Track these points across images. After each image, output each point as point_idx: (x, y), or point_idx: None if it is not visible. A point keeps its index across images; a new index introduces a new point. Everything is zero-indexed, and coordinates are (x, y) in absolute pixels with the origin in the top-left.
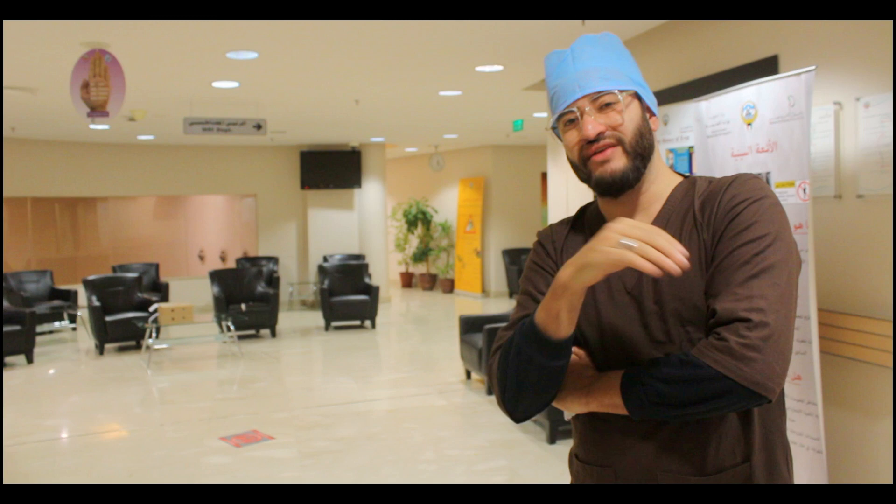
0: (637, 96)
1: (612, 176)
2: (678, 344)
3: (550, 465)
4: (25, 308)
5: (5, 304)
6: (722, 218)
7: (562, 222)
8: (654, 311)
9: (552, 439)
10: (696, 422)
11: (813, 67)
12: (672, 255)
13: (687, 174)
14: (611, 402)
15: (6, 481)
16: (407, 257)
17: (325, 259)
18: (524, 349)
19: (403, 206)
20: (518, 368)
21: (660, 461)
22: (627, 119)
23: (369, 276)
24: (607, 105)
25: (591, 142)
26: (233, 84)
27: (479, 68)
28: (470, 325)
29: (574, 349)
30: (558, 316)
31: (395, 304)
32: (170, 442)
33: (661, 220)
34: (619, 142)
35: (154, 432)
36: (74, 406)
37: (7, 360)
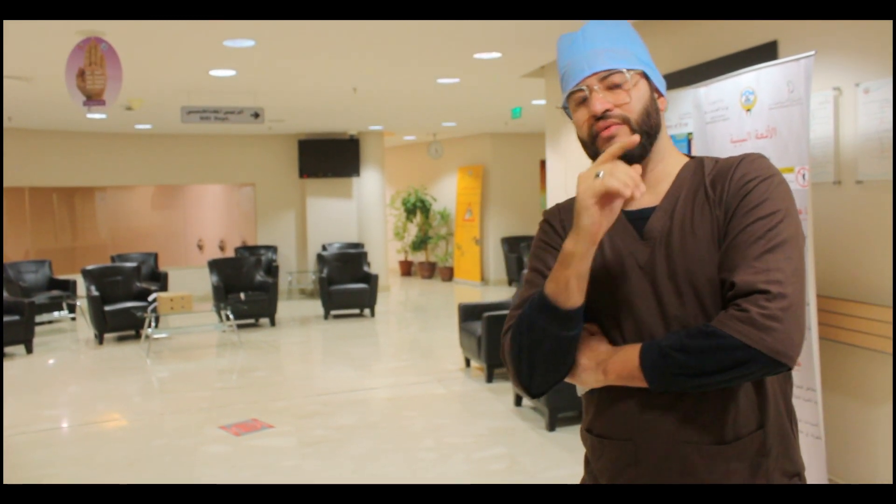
0: (645, 76)
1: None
2: (693, 317)
3: (550, 452)
4: (24, 298)
5: (4, 294)
6: (733, 195)
7: (569, 201)
8: (668, 286)
9: (552, 427)
10: (715, 392)
11: (812, 53)
12: (636, 181)
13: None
14: (629, 375)
15: (6, 471)
16: (406, 246)
17: (324, 248)
18: (537, 321)
19: (402, 195)
20: (532, 342)
21: (681, 432)
22: (635, 98)
23: (368, 264)
24: (615, 85)
25: (598, 118)
26: (230, 72)
27: (477, 55)
28: (469, 313)
29: (587, 325)
30: (567, 284)
31: (394, 293)
32: (169, 431)
33: (672, 197)
34: (626, 121)
35: (154, 421)
36: (74, 396)
37: (6, 350)
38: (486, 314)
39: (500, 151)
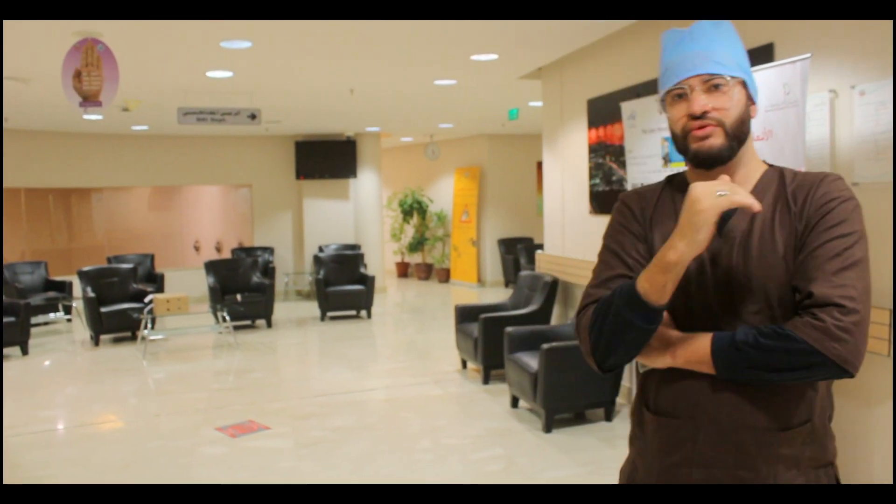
0: (743, 84)
1: (709, 151)
2: (762, 315)
3: (547, 453)
4: (20, 299)
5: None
6: (814, 211)
7: (649, 188)
8: (742, 283)
9: (548, 428)
10: (778, 384)
11: (808, 55)
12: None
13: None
14: (697, 361)
15: (4, 472)
16: (402, 247)
17: (321, 249)
18: (625, 314)
19: (399, 196)
20: (615, 329)
21: (742, 417)
22: (733, 104)
23: (365, 266)
24: (716, 87)
25: (695, 118)
26: (227, 74)
27: (474, 57)
28: (466, 315)
29: None
30: (664, 288)
31: (390, 294)
32: (166, 432)
33: None
34: (721, 124)
35: (150, 423)
36: (70, 397)
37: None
38: (483, 316)
39: (496, 153)
